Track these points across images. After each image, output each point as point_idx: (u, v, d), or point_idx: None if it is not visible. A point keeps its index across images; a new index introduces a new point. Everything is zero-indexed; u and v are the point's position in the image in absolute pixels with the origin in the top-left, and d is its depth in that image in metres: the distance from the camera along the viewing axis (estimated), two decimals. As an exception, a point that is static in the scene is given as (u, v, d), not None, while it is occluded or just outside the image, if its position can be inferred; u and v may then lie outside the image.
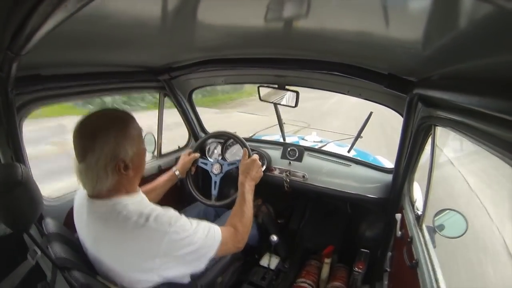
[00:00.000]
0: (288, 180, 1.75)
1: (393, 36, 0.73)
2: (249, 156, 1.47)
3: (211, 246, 0.90)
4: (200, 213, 1.67)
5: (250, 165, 1.38)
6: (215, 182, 1.67)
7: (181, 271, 0.88)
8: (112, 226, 0.81)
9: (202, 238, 0.88)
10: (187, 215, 1.59)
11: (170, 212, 0.87)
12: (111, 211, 0.82)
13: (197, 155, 1.67)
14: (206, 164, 1.70)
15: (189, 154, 1.65)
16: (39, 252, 0.78)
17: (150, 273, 0.82)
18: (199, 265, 0.89)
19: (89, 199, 0.85)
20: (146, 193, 1.30)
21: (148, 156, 1.82)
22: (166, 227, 0.81)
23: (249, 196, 1.24)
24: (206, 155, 1.84)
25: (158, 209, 0.86)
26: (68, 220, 1.23)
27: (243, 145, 1.57)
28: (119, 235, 0.81)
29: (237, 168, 1.46)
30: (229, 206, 1.56)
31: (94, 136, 0.79)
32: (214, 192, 1.66)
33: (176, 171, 1.53)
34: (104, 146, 0.79)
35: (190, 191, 1.65)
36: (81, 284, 0.75)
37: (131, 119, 0.88)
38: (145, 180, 1.50)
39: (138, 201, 0.88)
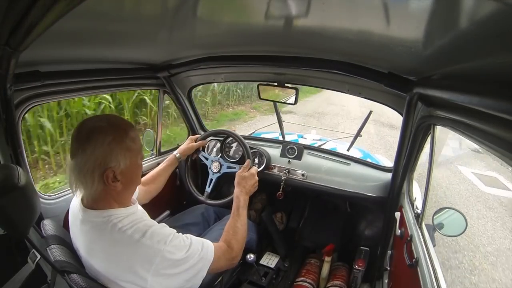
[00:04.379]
0: (284, 186, 1.74)
1: (393, 35, 0.72)
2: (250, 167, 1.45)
3: (203, 265, 0.89)
4: (200, 215, 1.66)
5: (248, 179, 1.34)
6: (211, 180, 1.67)
7: None
8: (106, 238, 0.80)
9: (194, 258, 0.86)
10: (188, 217, 1.63)
11: (166, 230, 0.85)
12: (106, 222, 0.80)
13: (204, 142, 1.68)
14: (207, 159, 1.70)
15: (196, 140, 1.64)
16: (38, 255, 0.77)
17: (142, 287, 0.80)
18: (191, 286, 0.87)
19: (83, 208, 0.84)
20: (147, 184, 1.31)
21: (148, 154, 1.82)
22: (160, 246, 0.80)
23: (243, 211, 1.20)
24: (205, 151, 1.84)
25: (154, 225, 0.84)
26: (67, 220, 1.22)
27: (247, 155, 1.55)
28: (113, 247, 0.79)
29: (235, 173, 1.44)
30: (221, 206, 1.59)
31: (90, 137, 0.78)
32: (208, 189, 1.66)
33: (177, 153, 1.52)
34: (96, 149, 0.77)
35: (187, 184, 1.66)
36: (81, 287, 0.74)
37: (133, 131, 0.85)
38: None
39: (133, 213, 0.87)
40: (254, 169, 1.43)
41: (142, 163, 0.94)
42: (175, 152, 1.54)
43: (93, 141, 0.77)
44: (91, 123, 0.81)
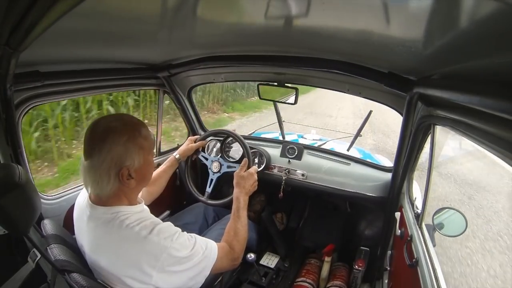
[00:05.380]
0: (284, 186, 1.74)
1: (393, 34, 0.72)
2: (248, 166, 1.44)
3: (207, 264, 0.90)
4: (200, 214, 1.67)
5: (247, 179, 1.33)
6: (211, 180, 1.67)
7: (176, 287, 0.86)
8: (114, 234, 0.81)
9: (198, 256, 0.87)
10: (188, 216, 1.63)
11: (172, 228, 0.86)
12: (114, 218, 0.82)
13: (203, 143, 1.68)
14: (206, 159, 1.70)
15: (196, 140, 1.65)
16: (39, 255, 0.77)
17: (146, 284, 0.81)
18: (194, 284, 0.88)
19: (91, 205, 0.85)
20: (148, 185, 1.31)
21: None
22: (167, 242, 0.81)
23: (244, 212, 1.20)
24: (205, 151, 1.84)
25: (160, 223, 0.85)
26: (67, 220, 1.22)
27: (246, 154, 1.55)
28: (120, 243, 0.80)
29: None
30: (221, 206, 1.59)
31: (105, 137, 0.79)
32: (208, 189, 1.66)
33: (176, 155, 1.53)
34: (112, 149, 0.78)
35: (187, 184, 1.66)
36: (82, 286, 0.74)
37: (145, 129, 0.87)
38: None
39: (140, 211, 0.88)
40: (254, 169, 1.42)
41: None
42: (174, 154, 1.54)
43: (108, 141, 0.78)
44: (105, 122, 0.82)
